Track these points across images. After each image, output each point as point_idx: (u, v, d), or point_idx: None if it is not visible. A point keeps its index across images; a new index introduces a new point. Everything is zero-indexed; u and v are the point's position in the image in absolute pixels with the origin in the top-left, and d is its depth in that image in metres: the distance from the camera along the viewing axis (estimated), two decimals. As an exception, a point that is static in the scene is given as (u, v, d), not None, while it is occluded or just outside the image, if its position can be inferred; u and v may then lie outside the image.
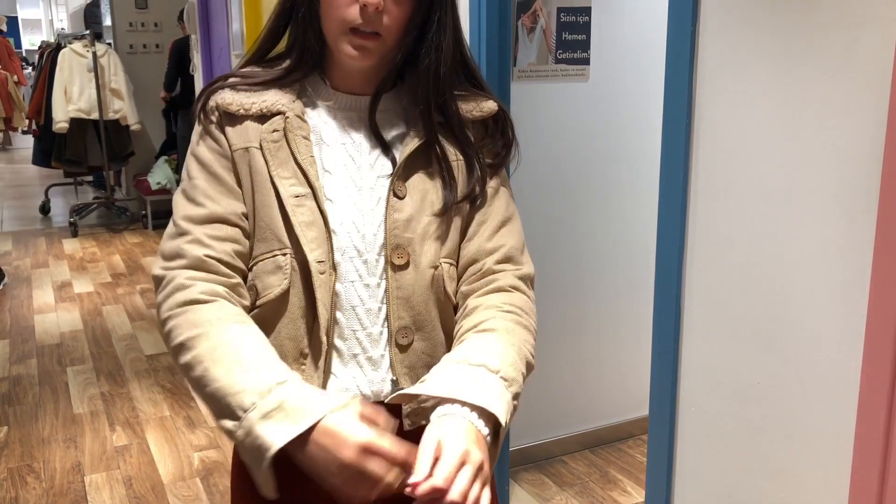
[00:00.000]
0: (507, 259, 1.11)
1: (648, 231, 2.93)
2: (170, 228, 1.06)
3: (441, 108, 1.07)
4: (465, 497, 0.85)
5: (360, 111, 1.10)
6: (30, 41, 15.16)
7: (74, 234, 6.68)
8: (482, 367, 0.96)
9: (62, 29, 11.77)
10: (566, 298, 2.87)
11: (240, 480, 1.15)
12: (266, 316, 1.05)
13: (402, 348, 1.07)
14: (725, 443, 1.60)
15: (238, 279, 1.05)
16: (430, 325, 1.09)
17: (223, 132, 1.06)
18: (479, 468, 0.88)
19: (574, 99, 2.73)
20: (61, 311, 4.72)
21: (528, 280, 1.13)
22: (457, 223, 1.11)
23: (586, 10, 2.66)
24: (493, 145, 1.15)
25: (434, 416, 0.92)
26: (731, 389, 1.57)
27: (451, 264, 1.10)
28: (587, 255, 2.88)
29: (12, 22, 14.63)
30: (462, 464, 0.87)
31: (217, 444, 3.06)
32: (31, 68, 11.86)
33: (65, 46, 6.83)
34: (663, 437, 1.73)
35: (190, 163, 1.08)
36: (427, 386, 0.95)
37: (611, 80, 2.79)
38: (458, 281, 1.11)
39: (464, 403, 0.92)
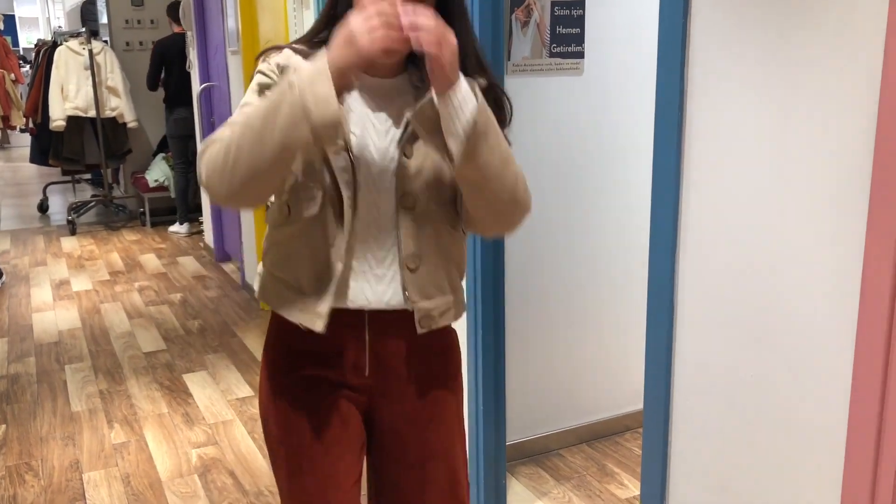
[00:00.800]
0: None
1: (642, 225, 2.93)
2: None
3: None
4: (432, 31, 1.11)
5: (382, 90, 1.33)
6: (27, 39, 15.13)
7: (73, 232, 6.68)
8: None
9: (59, 27, 11.75)
10: (560, 292, 2.87)
11: (272, 354, 1.45)
12: (293, 234, 1.33)
13: (412, 271, 1.34)
14: (719, 435, 1.60)
15: None
16: (434, 256, 1.35)
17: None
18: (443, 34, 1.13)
19: (568, 93, 2.72)
20: (59, 309, 4.73)
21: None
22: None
23: (580, 4, 2.66)
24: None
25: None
26: (725, 383, 1.57)
27: (452, 207, 1.35)
28: (581, 249, 2.88)
29: (9, 20, 14.60)
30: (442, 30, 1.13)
31: (215, 441, 3.06)
32: (28, 66, 11.84)
33: (61, 44, 6.82)
34: (658, 431, 1.74)
35: (245, 101, 1.29)
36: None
37: (605, 74, 2.78)
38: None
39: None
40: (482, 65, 1.34)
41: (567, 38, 2.67)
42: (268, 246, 1.41)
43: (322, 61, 1.14)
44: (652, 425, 1.75)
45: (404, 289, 1.34)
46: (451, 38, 1.14)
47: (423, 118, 1.21)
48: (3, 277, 5.25)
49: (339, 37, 1.14)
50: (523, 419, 2.88)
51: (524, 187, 1.31)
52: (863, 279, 1.27)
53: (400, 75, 1.35)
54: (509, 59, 2.57)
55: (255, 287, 1.45)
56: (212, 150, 1.20)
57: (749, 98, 1.44)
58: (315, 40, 1.34)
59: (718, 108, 1.51)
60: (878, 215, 1.23)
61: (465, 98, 1.17)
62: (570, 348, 2.93)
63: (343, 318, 1.34)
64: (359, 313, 1.36)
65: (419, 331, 1.36)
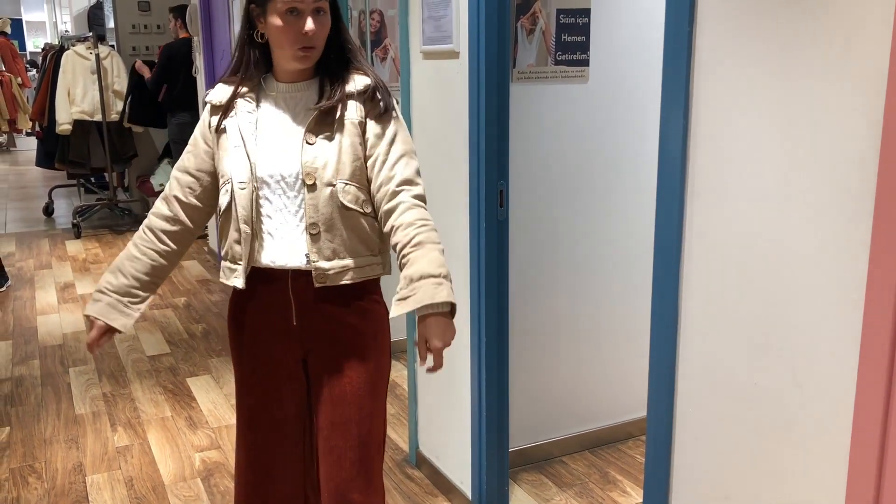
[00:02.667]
0: (405, 182, 1.66)
1: (647, 231, 2.93)
2: None
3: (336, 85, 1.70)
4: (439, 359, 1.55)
5: (295, 92, 1.71)
6: (34, 43, 15.20)
7: (78, 236, 6.70)
8: (432, 277, 1.55)
9: (66, 31, 11.80)
10: (565, 299, 2.87)
11: (232, 323, 1.84)
12: (223, 220, 1.72)
13: (313, 237, 1.65)
14: (723, 443, 1.60)
15: (182, 211, 1.81)
16: (335, 226, 1.66)
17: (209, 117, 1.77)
18: (450, 340, 1.56)
19: (573, 100, 2.73)
20: (64, 311, 4.74)
21: (422, 198, 1.67)
22: (352, 157, 1.66)
23: (585, 12, 2.67)
24: (375, 106, 1.69)
25: (419, 318, 1.55)
26: (729, 390, 1.57)
27: (347, 184, 1.65)
28: (585, 256, 2.88)
29: (17, 24, 14.67)
30: (442, 348, 1.54)
31: (218, 445, 3.07)
32: (34, 70, 11.90)
33: (68, 49, 6.85)
34: (661, 438, 1.74)
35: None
36: (409, 303, 1.54)
37: (610, 82, 2.79)
38: (374, 202, 1.69)
39: (433, 306, 1.55)
40: (359, 59, 1.72)
41: (572, 46, 2.68)
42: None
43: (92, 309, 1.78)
44: (655, 433, 1.75)
45: (307, 251, 1.66)
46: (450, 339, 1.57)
47: (315, 123, 1.65)
48: (9, 281, 5.27)
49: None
50: (526, 425, 2.88)
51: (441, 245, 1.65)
52: (867, 287, 1.27)
53: (311, 79, 1.71)
54: (514, 67, 2.58)
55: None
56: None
57: (754, 105, 1.45)
58: (237, 70, 1.74)
59: (723, 116, 1.51)
60: (882, 222, 1.23)
61: (450, 301, 1.57)
62: (573, 355, 2.93)
63: (268, 275, 1.71)
64: (282, 272, 1.69)
65: (315, 285, 1.67)
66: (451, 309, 1.56)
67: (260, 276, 1.71)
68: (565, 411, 2.95)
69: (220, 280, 1.79)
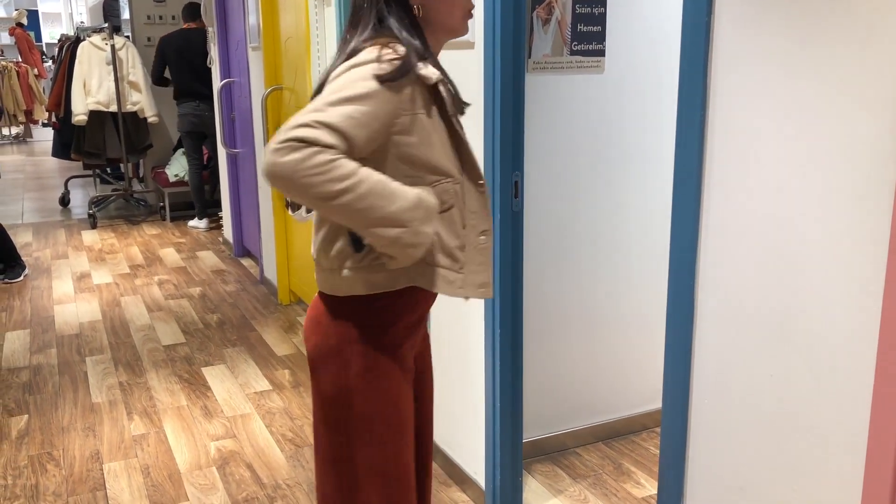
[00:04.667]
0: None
1: (663, 223, 2.92)
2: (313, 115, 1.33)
3: None
4: None
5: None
6: (50, 34, 15.27)
7: (93, 226, 6.75)
8: None
9: (82, 22, 11.85)
10: (580, 291, 2.86)
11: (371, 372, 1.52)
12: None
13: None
14: (738, 435, 1.60)
15: None
16: None
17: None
18: None
19: (589, 91, 2.72)
20: (80, 301, 4.78)
21: None
22: None
23: (602, 2, 2.65)
24: None
25: None
26: (744, 383, 1.57)
27: None
28: (600, 247, 2.87)
29: (33, 15, 14.75)
30: None
31: (233, 434, 3.09)
32: (50, 61, 11.96)
33: (84, 39, 6.88)
34: (676, 430, 1.74)
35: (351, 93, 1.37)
36: None
37: (626, 72, 2.78)
38: None
39: None
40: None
41: (588, 36, 2.66)
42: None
43: (427, 231, 1.42)
44: (670, 424, 1.75)
45: None
46: None
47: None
48: (27, 270, 5.31)
49: (411, 257, 1.42)
50: (540, 417, 2.88)
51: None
52: (886, 280, 1.26)
53: None
54: (530, 57, 2.57)
55: (355, 285, 1.50)
56: (317, 158, 1.30)
57: (772, 97, 1.43)
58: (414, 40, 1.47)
59: (741, 108, 1.50)
60: (902, 216, 1.22)
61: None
62: (587, 346, 2.93)
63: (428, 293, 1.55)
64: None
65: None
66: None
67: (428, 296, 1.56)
68: (579, 402, 2.95)
69: (439, 291, 1.54)
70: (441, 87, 1.44)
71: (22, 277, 5.22)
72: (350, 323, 1.50)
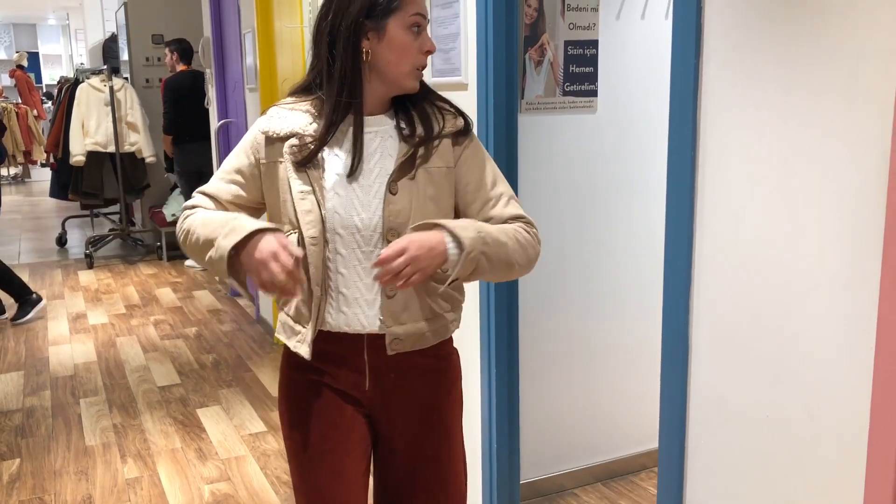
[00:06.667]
0: (516, 218, 1.53)
1: (656, 262, 2.92)
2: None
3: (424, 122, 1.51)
4: (389, 266, 1.34)
5: (373, 127, 1.50)
6: (50, 76, 15.43)
7: (90, 266, 6.74)
8: (469, 221, 1.45)
9: (81, 64, 11.98)
10: (576, 329, 2.86)
11: (287, 390, 1.61)
12: None
13: (388, 298, 1.48)
14: (735, 475, 1.58)
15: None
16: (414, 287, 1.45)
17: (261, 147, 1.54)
18: (413, 258, 1.34)
19: (582, 130, 2.74)
20: (76, 342, 4.75)
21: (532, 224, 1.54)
22: (438, 211, 1.49)
23: (593, 43, 2.69)
24: (464, 141, 1.55)
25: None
26: (741, 421, 1.56)
27: None
28: (595, 286, 2.87)
29: (33, 57, 14.92)
30: (402, 250, 1.34)
31: (228, 477, 3.05)
32: (50, 102, 12.07)
33: (83, 81, 6.95)
34: (673, 470, 1.72)
35: (228, 162, 1.58)
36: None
37: (618, 112, 2.80)
38: None
39: (437, 225, 1.41)
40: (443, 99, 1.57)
41: (580, 77, 2.69)
42: None
43: (234, 241, 1.38)
44: (667, 465, 1.74)
45: (380, 314, 1.49)
46: (411, 257, 1.35)
47: (400, 168, 1.46)
48: (43, 301, 5.29)
49: (256, 256, 1.36)
50: (537, 457, 2.85)
51: (527, 260, 1.49)
52: (879, 318, 1.26)
53: (388, 111, 1.53)
54: (523, 98, 2.59)
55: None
56: (181, 223, 1.53)
57: (763, 136, 1.45)
58: (299, 95, 1.57)
59: (732, 147, 1.52)
60: (892, 251, 1.22)
61: (456, 261, 1.39)
62: (585, 385, 2.91)
63: (341, 341, 1.52)
64: (357, 336, 1.51)
65: (388, 352, 1.50)
66: (455, 244, 1.38)
67: (325, 338, 1.52)
68: (577, 443, 2.93)
69: (278, 337, 1.59)
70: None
71: (32, 314, 5.17)
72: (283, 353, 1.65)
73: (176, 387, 4.01)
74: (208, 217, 1.48)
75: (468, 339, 2.45)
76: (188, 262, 6.75)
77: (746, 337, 1.52)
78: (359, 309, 1.49)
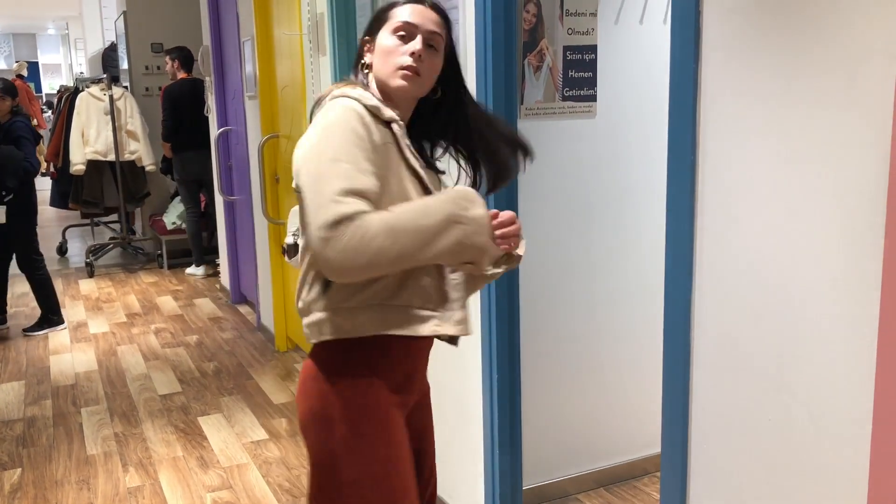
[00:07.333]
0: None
1: (657, 267, 2.92)
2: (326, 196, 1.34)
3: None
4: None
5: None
6: (49, 85, 15.47)
7: (91, 275, 6.74)
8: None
9: (81, 73, 12.00)
10: (577, 334, 2.85)
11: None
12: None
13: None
14: (738, 480, 1.58)
15: None
16: None
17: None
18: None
19: (581, 135, 2.75)
20: (76, 351, 4.75)
21: None
22: None
23: (592, 48, 2.69)
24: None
25: None
26: (743, 425, 1.55)
27: None
28: (596, 292, 2.87)
29: (33, 67, 14.95)
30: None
31: (229, 485, 3.05)
32: (50, 112, 12.09)
33: (82, 90, 6.96)
34: (676, 475, 1.71)
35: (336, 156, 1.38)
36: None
37: (617, 117, 2.81)
38: None
39: None
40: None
41: (579, 82, 2.70)
42: (343, 285, 1.46)
43: (484, 232, 1.43)
44: (669, 470, 1.73)
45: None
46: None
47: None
48: (63, 325, 5.27)
49: (485, 247, 1.42)
50: (540, 463, 2.84)
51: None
52: (880, 319, 1.26)
53: (405, 121, 1.58)
54: (522, 104, 2.60)
55: (323, 328, 1.48)
56: (351, 244, 1.29)
57: (762, 140, 1.45)
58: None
59: (731, 150, 1.52)
60: (893, 255, 1.22)
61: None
62: (587, 391, 2.91)
63: (422, 342, 1.56)
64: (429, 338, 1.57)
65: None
66: None
67: (419, 344, 1.55)
68: (580, 447, 2.92)
69: (412, 331, 1.48)
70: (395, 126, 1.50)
71: (44, 332, 5.16)
72: (332, 386, 1.48)
73: (177, 395, 4.01)
74: (407, 208, 1.37)
75: (470, 345, 2.45)
76: (189, 270, 6.75)
77: (748, 340, 1.52)
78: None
